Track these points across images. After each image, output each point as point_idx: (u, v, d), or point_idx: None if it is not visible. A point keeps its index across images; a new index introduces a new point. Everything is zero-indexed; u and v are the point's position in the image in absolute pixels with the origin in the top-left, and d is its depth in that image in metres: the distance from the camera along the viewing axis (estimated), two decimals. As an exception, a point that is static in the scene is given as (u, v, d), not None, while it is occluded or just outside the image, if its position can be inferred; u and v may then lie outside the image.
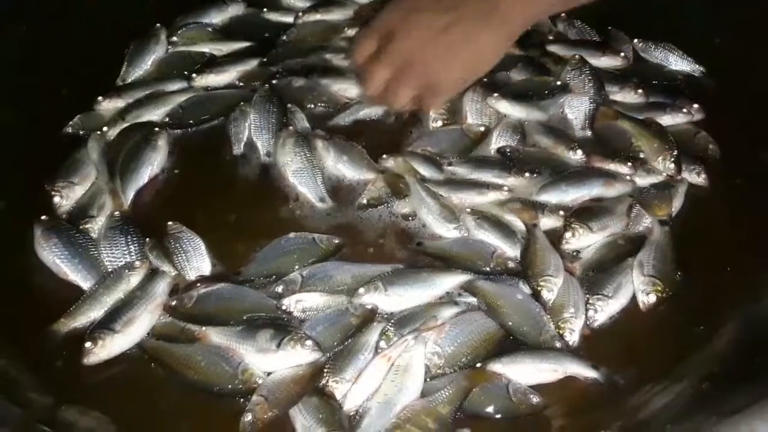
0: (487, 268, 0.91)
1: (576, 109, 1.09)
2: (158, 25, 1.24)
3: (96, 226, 0.95)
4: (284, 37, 1.24)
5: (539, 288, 0.86)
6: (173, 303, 0.86)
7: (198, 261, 0.91)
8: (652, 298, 0.86)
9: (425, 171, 1.01)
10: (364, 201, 0.98)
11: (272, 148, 1.05)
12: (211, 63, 1.19)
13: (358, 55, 0.98)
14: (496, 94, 1.08)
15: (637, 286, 0.88)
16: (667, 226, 0.94)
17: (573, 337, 0.84)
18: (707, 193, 1.00)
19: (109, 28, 1.22)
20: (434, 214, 0.96)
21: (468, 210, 0.96)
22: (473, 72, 0.97)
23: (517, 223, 0.95)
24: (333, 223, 0.97)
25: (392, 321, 0.85)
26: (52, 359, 0.82)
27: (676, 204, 0.97)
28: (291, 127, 1.07)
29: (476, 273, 0.90)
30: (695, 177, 1.01)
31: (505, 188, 0.99)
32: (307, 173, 1.01)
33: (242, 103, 1.11)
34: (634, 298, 0.88)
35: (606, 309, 0.86)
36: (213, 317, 0.85)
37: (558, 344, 0.83)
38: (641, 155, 1.03)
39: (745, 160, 1.01)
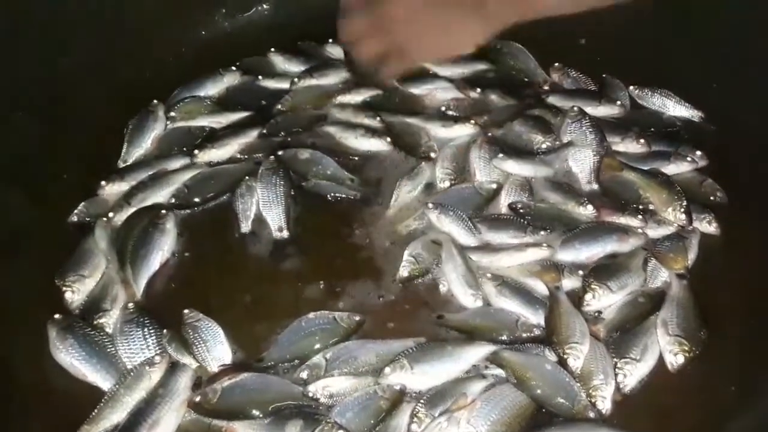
0: (511, 338, 0.90)
1: (580, 162, 1.10)
2: (155, 101, 1.23)
3: (111, 320, 0.93)
4: (279, 106, 1.24)
5: (566, 356, 0.86)
6: (198, 399, 0.84)
7: (218, 350, 0.90)
8: (680, 359, 0.86)
9: (460, 234, 1.01)
10: (405, 273, 0.97)
11: (284, 223, 1.04)
12: (212, 137, 1.18)
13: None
14: (501, 155, 1.08)
15: (664, 347, 0.87)
16: (685, 280, 0.94)
17: (606, 405, 0.83)
18: (720, 241, 1.00)
19: (106, 107, 1.21)
20: (458, 274, 0.95)
21: (489, 275, 0.96)
22: (445, 52, 1.08)
23: (538, 287, 0.95)
24: (349, 300, 0.96)
25: (422, 400, 0.84)
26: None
27: (692, 256, 0.98)
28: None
29: (500, 343, 0.89)
30: (707, 226, 1.01)
31: (545, 245, 0.98)
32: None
33: (247, 177, 1.10)
34: (661, 359, 0.87)
35: (635, 373, 0.86)
36: (239, 411, 0.83)
37: (591, 414, 0.82)
38: (650, 206, 1.03)
39: (753, 205, 1.01)
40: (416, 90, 1.23)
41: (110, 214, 1.06)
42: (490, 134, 1.15)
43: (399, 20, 0.99)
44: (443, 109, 1.21)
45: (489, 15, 0.96)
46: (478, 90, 1.22)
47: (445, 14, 0.96)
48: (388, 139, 1.14)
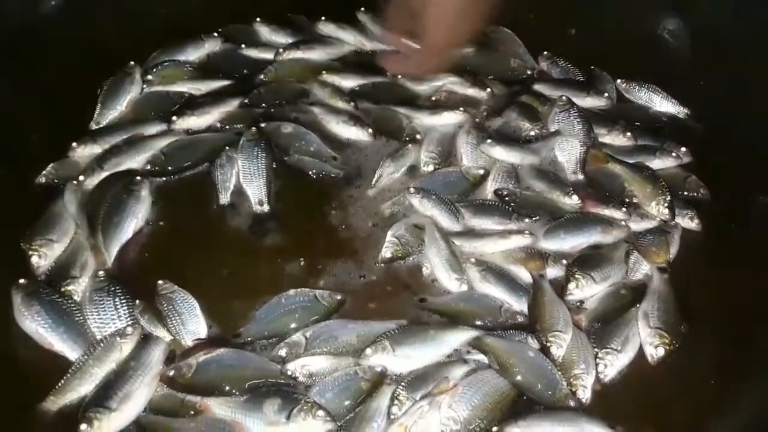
0: (494, 324, 0.89)
1: (567, 152, 1.09)
2: (132, 63, 1.18)
3: (79, 287, 0.89)
4: (262, 76, 1.20)
5: (548, 344, 0.85)
6: (171, 373, 0.81)
7: (194, 324, 0.87)
8: (661, 351, 0.86)
9: (443, 219, 0.99)
10: (388, 254, 0.95)
11: (265, 197, 1.01)
12: (191, 104, 1.14)
13: None
14: (489, 140, 1.07)
15: (644, 339, 0.88)
16: (666, 274, 0.95)
17: (586, 394, 0.83)
18: (701, 237, 1.01)
19: (79, 66, 1.14)
20: (441, 258, 0.94)
21: (472, 260, 0.95)
22: (459, 36, 1.02)
23: (522, 274, 0.94)
24: (330, 279, 0.94)
25: (403, 383, 0.82)
26: (42, 442, 0.76)
27: (673, 250, 0.98)
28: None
29: (483, 329, 0.88)
30: (689, 222, 1.02)
31: (527, 232, 0.97)
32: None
33: (228, 147, 1.06)
34: (641, 350, 0.88)
35: (616, 363, 0.86)
36: (215, 387, 0.81)
37: (572, 403, 0.82)
38: (634, 200, 1.04)
39: (735, 204, 1.03)
40: (425, 86, 1.19)
41: (81, 178, 1.02)
42: (478, 120, 1.13)
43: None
44: (434, 99, 1.19)
45: None
46: (488, 90, 1.18)
47: None
48: (370, 131, 1.11)
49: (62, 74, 1.11)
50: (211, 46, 1.25)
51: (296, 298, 0.90)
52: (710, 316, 0.91)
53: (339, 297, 0.91)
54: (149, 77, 1.17)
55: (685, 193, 1.06)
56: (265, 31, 1.28)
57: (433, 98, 1.18)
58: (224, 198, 1.02)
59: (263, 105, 1.15)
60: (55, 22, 1.14)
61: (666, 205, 1.01)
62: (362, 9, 1.31)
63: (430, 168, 1.07)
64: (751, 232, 0.99)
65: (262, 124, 1.10)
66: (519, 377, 0.83)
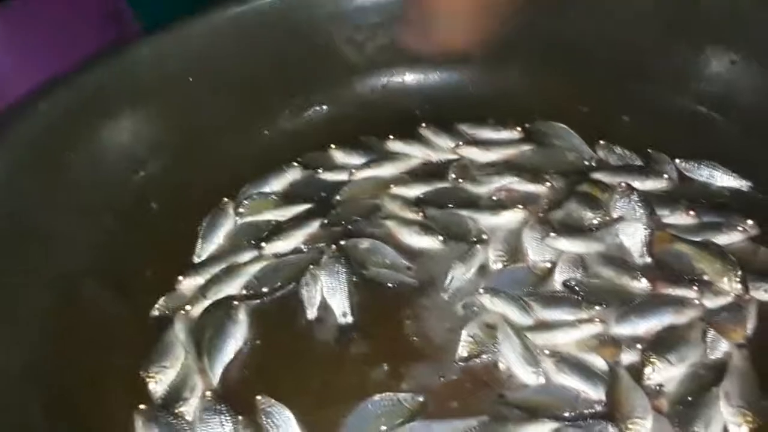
0: (573, 414, 0.92)
1: (631, 236, 1.13)
2: (225, 199, 1.34)
3: (190, 408, 1.00)
4: (338, 197, 1.33)
5: (628, 431, 0.87)
6: (274, 484, 0.88)
7: (291, 435, 0.95)
8: (744, 430, 0.86)
9: (514, 315, 1.04)
10: (465, 353, 1.01)
11: (347, 308, 1.10)
12: (277, 230, 1.27)
13: None
14: (553, 234, 1.13)
15: (727, 418, 0.87)
16: (745, 350, 0.95)
17: (673, 480, 0.83)
18: (779, 309, 1.00)
19: (180, 208, 1.31)
20: (517, 354, 0.98)
21: (546, 352, 0.98)
22: None
23: (597, 362, 0.97)
24: (413, 382, 1.00)
25: (488, 481, 0.86)
26: None
27: (750, 325, 0.98)
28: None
29: (562, 420, 0.91)
30: (763, 294, 1.02)
31: (597, 320, 1.01)
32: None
33: (311, 266, 1.18)
34: (725, 430, 0.87)
35: (701, 446, 0.86)
36: (313, 494, 0.87)
37: (660, 491, 0.82)
38: (705, 277, 1.05)
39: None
40: (485, 188, 1.28)
41: (188, 308, 1.14)
42: (541, 214, 1.20)
43: None
44: (494, 198, 1.26)
45: None
46: (548, 184, 1.25)
47: None
48: (441, 238, 1.18)
49: (167, 217, 1.28)
50: (292, 175, 1.39)
51: (381, 403, 0.96)
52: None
53: (420, 399, 0.96)
54: (240, 210, 1.32)
55: (758, 265, 1.06)
56: (339, 155, 1.42)
57: (494, 198, 1.26)
58: (311, 313, 1.12)
59: (342, 223, 1.27)
60: (155, 175, 1.32)
61: (738, 279, 1.02)
62: (423, 124, 1.43)
63: (499, 266, 1.14)
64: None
65: (342, 242, 1.21)
66: (603, 468, 0.85)
